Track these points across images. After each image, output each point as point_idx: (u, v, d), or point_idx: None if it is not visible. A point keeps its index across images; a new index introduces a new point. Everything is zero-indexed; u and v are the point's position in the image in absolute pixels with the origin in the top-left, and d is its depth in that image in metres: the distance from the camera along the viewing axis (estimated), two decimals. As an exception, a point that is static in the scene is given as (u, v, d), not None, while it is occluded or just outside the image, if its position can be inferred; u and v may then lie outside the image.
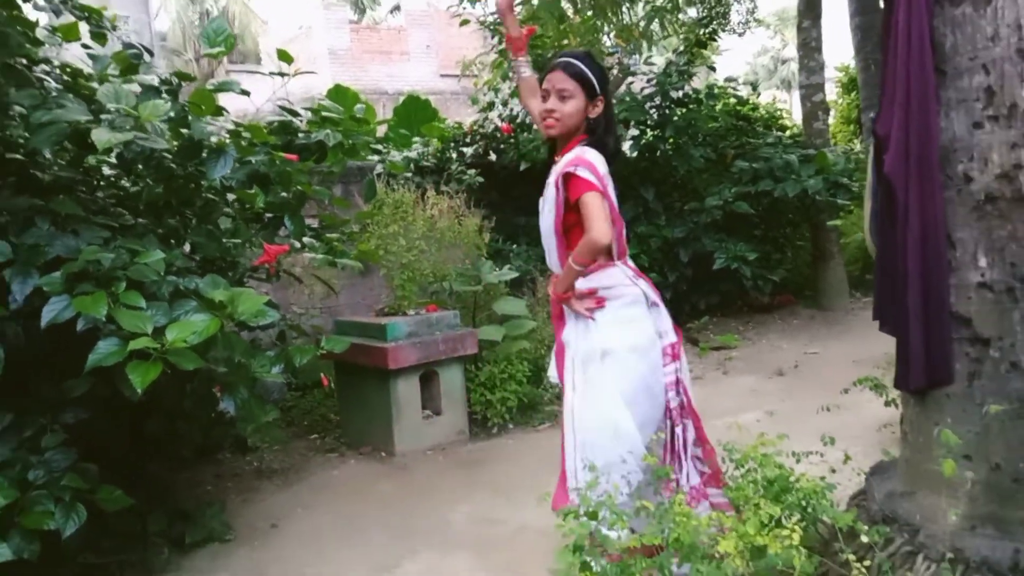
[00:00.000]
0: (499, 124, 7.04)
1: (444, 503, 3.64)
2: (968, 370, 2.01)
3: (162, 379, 2.17)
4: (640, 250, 6.42)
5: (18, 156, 2.38)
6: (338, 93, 3.20)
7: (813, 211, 6.82)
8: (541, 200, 2.53)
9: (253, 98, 2.91)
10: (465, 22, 7.02)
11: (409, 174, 5.82)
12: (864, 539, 1.97)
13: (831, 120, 9.81)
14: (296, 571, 3.08)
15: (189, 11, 26.72)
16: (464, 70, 8.00)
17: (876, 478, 2.34)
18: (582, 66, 2.39)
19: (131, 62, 2.38)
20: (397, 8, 30.32)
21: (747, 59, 43.86)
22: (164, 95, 2.35)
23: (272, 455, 4.53)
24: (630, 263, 2.57)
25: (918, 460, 2.16)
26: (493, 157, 6.96)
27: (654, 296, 2.53)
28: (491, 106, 7.05)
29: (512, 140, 6.89)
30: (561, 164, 2.39)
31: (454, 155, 6.57)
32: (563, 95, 2.38)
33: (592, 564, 1.94)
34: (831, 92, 12.06)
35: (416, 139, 5.82)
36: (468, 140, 6.84)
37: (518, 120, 7.13)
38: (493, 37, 7.02)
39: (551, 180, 2.44)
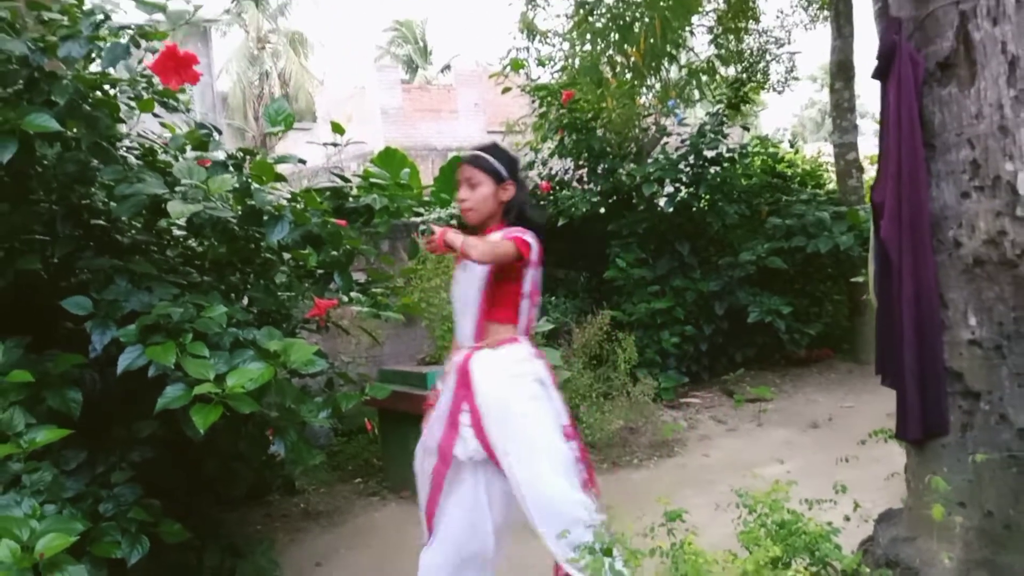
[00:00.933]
0: (539, 182, 7.33)
1: (479, 547, 3.81)
2: (961, 422, 2.15)
3: (220, 422, 2.41)
4: (676, 303, 6.57)
5: (101, 222, 2.69)
6: (387, 155, 3.46)
7: (847, 266, 6.91)
8: (459, 274, 2.63)
9: (309, 154, 3.22)
10: (507, 89, 7.37)
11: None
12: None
13: (868, 178, 9.89)
14: (338, 607, 3.28)
15: (249, 72, 28.01)
16: (508, 129, 8.33)
17: (883, 524, 2.46)
18: (487, 156, 2.58)
19: (202, 139, 2.69)
20: (447, 67, 31.35)
21: (795, 111, 44.01)
22: (230, 168, 2.65)
23: (318, 497, 4.75)
24: (529, 343, 2.66)
25: (918, 507, 2.28)
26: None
27: (548, 377, 2.62)
28: (531, 165, 7.35)
29: (551, 197, 7.16)
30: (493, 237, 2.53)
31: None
32: (471, 183, 2.55)
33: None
34: (872, 147, 12.13)
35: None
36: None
37: (556, 178, 7.41)
38: (534, 101, 7.34)
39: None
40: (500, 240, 2.47)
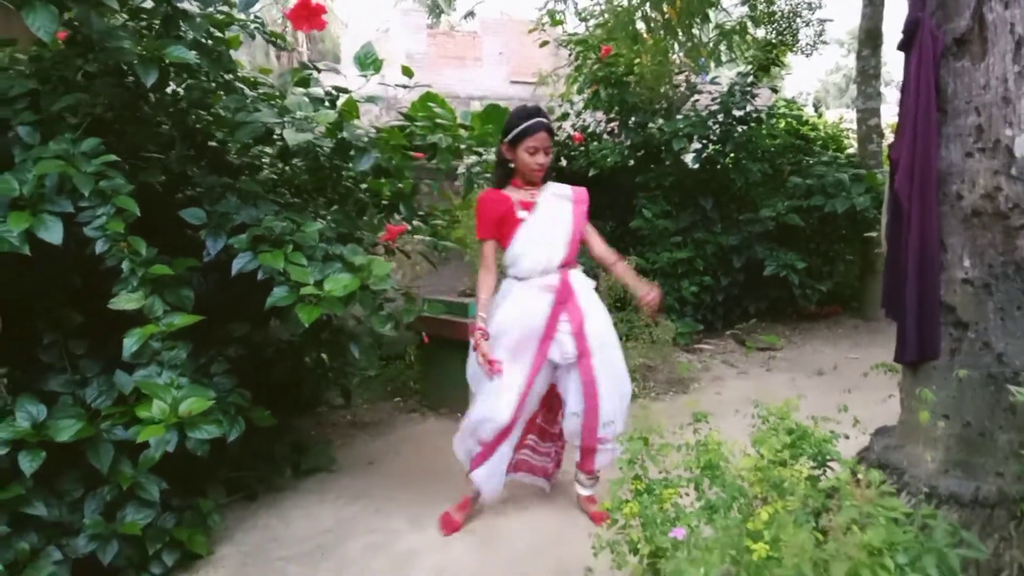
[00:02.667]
0: (572, 133, 7.65)
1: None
2: (950, 348, 2.54)
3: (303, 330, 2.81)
4: (696, 254, 6.94)
5: (213, 144, 3.08)
6: (429, 99, 3.74)
7: (862, 226, 7.25)
8: (538, 214, 3.21)
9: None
10: (545, 43, 7.64)
11: (489, 174, 6.44)
12: (859, 476, 2.51)
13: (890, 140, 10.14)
14: (391, 496, 3.73)
15: (272, 9, 28.01)
16: (541, 80, 8.61)
17: (878, 436, 2.87)
18: (551, 125, 3.20)
19: (305, 77, 3.06)
20: (471, 14, 31.24)
21: (820, 76, 43.64)
22: (326, 104, 3.02)
23: (363, 411, 5.21)
24: None
25: (909, 420, 2.69)
26: (564, 163, 7.56)
27: None
28: (565, 116, 7.66)
29: (583, 148, 7.50)
30: (560, 188, 3.32)
31: (530, 159, 7.21)
32: (547, 151, 3.18)
33: (641, 476, 2.52)
34: (894, 114, 12.33)
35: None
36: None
37: (589, 130, 7.73)
38: (570, 54, 7.61)
39: (551, 199, 3.26)
40: (604, 243, 3.41)
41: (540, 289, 3.14)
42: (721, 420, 2.86)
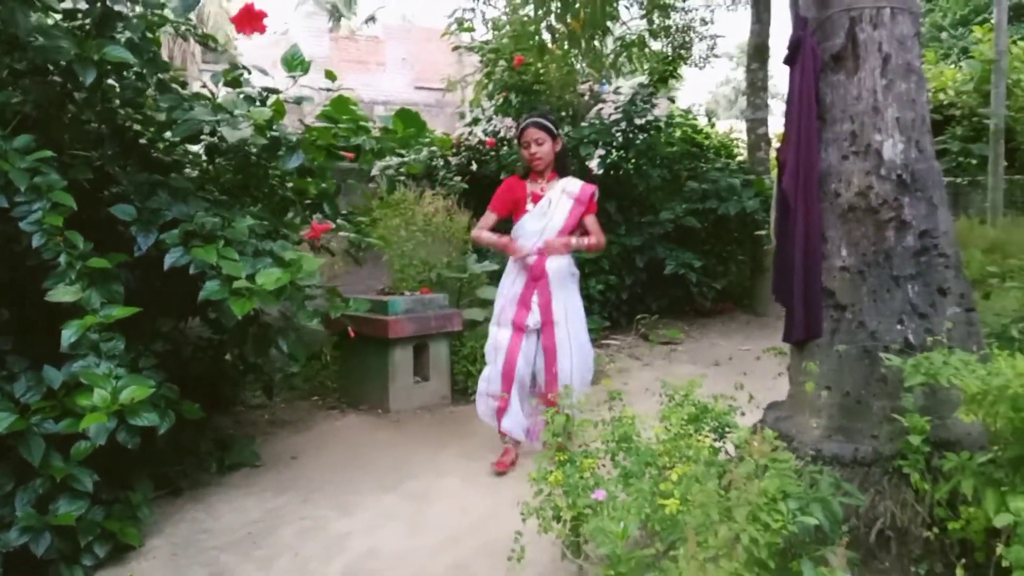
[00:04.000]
0: (483, 138, 7.88)
1: (433, 447, 4.42)
2: (831, 327, 2.87)
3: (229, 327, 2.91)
4: (602, 254, 7.28)
5: (143, 141, 3.13)
6: (340, 103, 3.83)
7: (752, 228, 7.77)
8: (542, 205, 3.84)
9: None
10: (457, 48, 7.85)
11: (402, 178, 6.59)
12: (754, 444, 2.81)
13: (774, 152, 10.82)
14: (317, 487, 3.83)
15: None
16: (449, 87, 8.81)
17: (769, 410, 3.19)
18: (544, 120, 3.84)
19: (236, 78, 3.15)
20: (372, 19, 31.14)
21: (710, 88, 45.42)
22: (257, 103, 3.12)
23: (281, 410, 5.26)
24: None
25: (797, 394, 3.02)
26: (475, 167, 7.78)
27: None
28: (476, 121, 7.88)
29: (494, 153, 7.74)
30: (571, 185, 3.89)
31: (441, 163, 7.39)
32: (539, 142, 3.79)
33: (564, 449, 2.75)
34: (780, 125, 13.13)
35: (422, 144, 6.62)
36: (455, 151, 7.66)
37: (500, 135, 7.97)
38: (481, 60, 7.84)
39: (558, 194, 3.86)
40: (598, 243, 3.97)
41: (522, 267, 3.85)
42: (632, 402, 3.11)
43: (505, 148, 7.67)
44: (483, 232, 3.97)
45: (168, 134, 2.89)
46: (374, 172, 6.29)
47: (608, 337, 7.32)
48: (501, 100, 7.49)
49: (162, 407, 3.14)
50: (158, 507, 3.58)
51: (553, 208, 3.81)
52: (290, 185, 3.66)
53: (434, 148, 6.36)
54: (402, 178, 4.31)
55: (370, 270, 6.33)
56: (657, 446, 2.76)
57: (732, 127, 11.62)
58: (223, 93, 3.02)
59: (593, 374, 4.07)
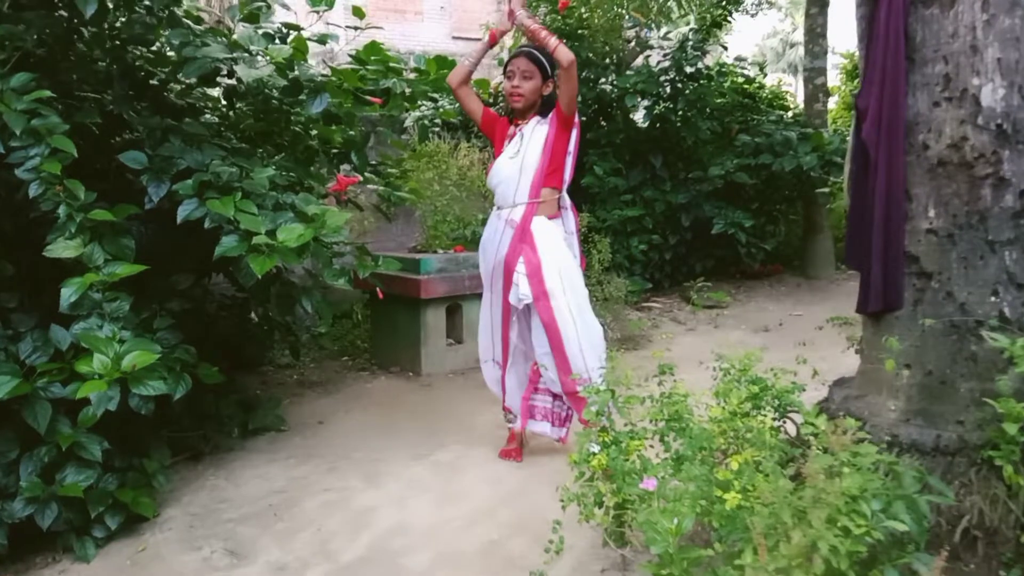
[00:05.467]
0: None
1: (466, 413, 4.20)
2: (914, 298, 2.55)
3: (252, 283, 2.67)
4: (645, 212, 6.94)
5: (154, 82, 2.88)
6: (373, 49, 3.54)
7: (807, 186, 7.34)
8: (515, 143, 3.23)
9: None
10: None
11: (437, 128, 6.29)
12: (822, 426, 2.52)
13: (833, 104, 10.29)
14: (345, 455, 3.64)
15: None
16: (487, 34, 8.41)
17: (837, 388, 2.89)
18: (539, 54, 3.17)
19: (254, 12, 2.87)
20: (411, -33, 30.45)
21: (757, 40, 44.06)
22: (276, 40, 2.84)
23: (310, 370, 5.08)
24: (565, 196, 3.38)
25: (870, 371, 2.71)
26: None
27: (575, 227, 3.43)
28: (515, 70, 7.50)
29: (533, 103, 7.37)
30: (547, 117, 3.20)
31: (478, 113, 7.06)
32: (525, 75, 3.18)
33: (608, 428, 2.48)
34: (835, 78, 12.53)
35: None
36: (492, 101, 7.31)
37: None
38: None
39: (531, 128, 3.22)
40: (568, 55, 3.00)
41: (505, 222, 3.26)
42: (678, 372, 2.84)
43: (546, 98, 7.31)
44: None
45: (182, 75, 2.63)
46: (407, 122, 6.01)
47: (650, 300, 7.01)
48: (542, 47, 7.08)
49: (177, 370, 2.96)
50: (177, 473, 3.42)
51: (526, 143, 3.18)
52: (314, 133, 3.39)
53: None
54: (436, 128, 4.01)
55: (402, 226, 6.09)
56: (712, 426, 2.48)
57: (780, 79, 11.07)
58: (240, 29, 2.75)
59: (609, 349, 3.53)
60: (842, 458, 1.87)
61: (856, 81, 12.14)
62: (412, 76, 3.80)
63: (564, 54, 2.98)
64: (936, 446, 2.41)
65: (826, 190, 6.54)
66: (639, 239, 6.88)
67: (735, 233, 6.84)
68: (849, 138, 2.87)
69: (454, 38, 20.94)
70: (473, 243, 5.50)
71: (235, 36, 2.68)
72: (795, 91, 10.89)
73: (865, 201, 2.66)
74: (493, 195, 3.40)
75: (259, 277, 2.54)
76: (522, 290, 3.18)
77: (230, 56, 2.58)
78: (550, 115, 3.19)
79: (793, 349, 4.79)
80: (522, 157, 3.18)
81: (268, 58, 2.57)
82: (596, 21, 6.97)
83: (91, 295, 2.44)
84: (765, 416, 2.53)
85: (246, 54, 2.61)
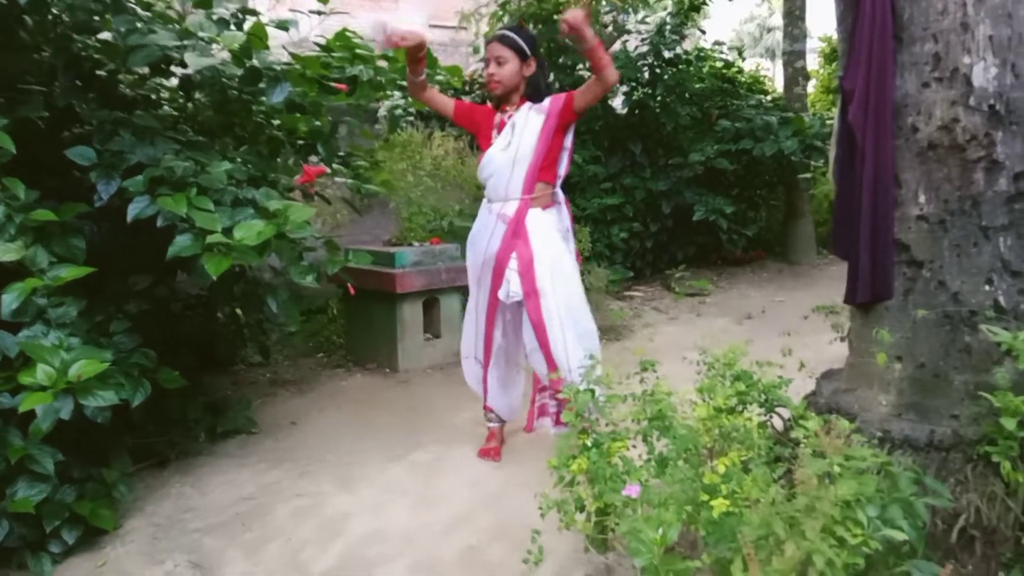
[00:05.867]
0: (498, 74, 7.34)
1: (445, 410, 4.08)
2: (904, 287, 2.44)
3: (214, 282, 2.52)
4: (625, 200, 6.82)
5: (102, 73, 2.71)
6: (343, 37, 3.41)
7: (788, 171, 7.26)
8: (506, 134, 3.06)
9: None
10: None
11: (412, 117, 6.13)
12: (809, 424, 2.42)
13: (811, 88, 10.21)
14: (318, 458, 3.50)
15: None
16: (462, 21, 8.24)
17: (825, 380, 2.79)
18: (513, 35, 3.02)
19: (206, -5, 2.71)
20: (386, -47, 30.05)
21: (734, 25, 44.06)
22: (231, 27, 2.68)
23: (283, 368, 4.93)
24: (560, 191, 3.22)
25: (860, 363, 2.61)
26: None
27: (570, 222, 3.26)
28: (489, 57, 7.34)
29: (509, 90, 7.21)
30: (545, 102, 3.02)
31: (453, 101, 6.91)
32: (499, 61, 3.01)
33: (589, 430, 2.37)
34: (813, 62, 12.45)
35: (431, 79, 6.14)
36: (467, 89, 7.15)
37: (515, 71, 7.44)
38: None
39: (523, 116, 3.03)
40: (605, 75, 2.87)
41: (497, 216, 3.12)
42: (660, 362, 2.72)
43: (522, 85, 7.15)
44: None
45: (128, 64, 2.46)
46: (381, 112, 5.85)
47: (631, 288, 6.91)
48: (518, 32, 6.93)
49: (135, 376, 2.81)
50: (142, 481, 3.28)
51: (519, 134, 3.01)
52: (277, 123, 3.23)
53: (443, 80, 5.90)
54: (410, 117, 3.87)
55: (376, 219, 5.94)
56: (697, 424, 2.37)
57: (759, 64, 10.99)
58: (192, 15, 2.59)
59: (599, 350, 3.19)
60: (835, 461, 1.76)
61: (834, 64, 12.13)
62: (384, 62, 3.65)
63: (612, 75, 2.89)
64: (930, 442, 2.31)
65: (808, 175, 6.44)
66: (619, 227, 6.77)
67: (716, 220, 6.75)
68: (834, 121, 2.76)
69: (432, 26, 20.67)
70: (450, 234, 5.37)
71: (186, 22, 2.52)
72: (773, 76, 10.79)
73: (852, 187, 2.55)
74: (474, 187, 3.26)
75: (214, 279, 2.39)
76: (512, 287, 3.06)
77: (180, 44, 2.42)
78: (547, 104, 3.01)
79: (777, 338, 4.70)
80: (515, 149, 3.01)
81: (220, 45, 2.41)
82: (573, 4, 6.81)
83: (35, 300, 2.28)
84: (751, 414, 2.43)
85: (200, 41, 2.44)
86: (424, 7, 20.98)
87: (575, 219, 6.17)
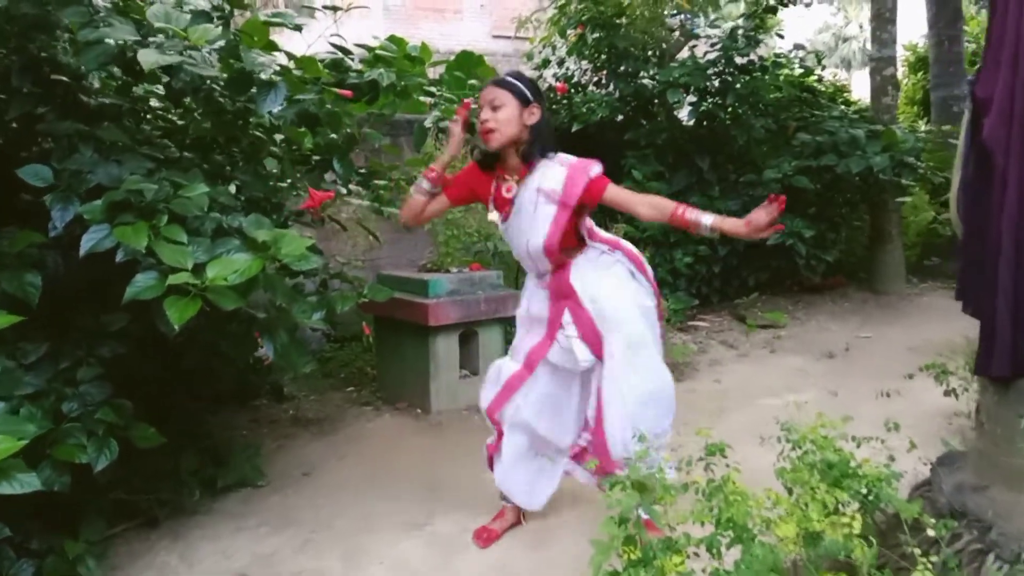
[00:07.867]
0: (554, 83, 6.86)
1: (478, 463, 3.53)
2: (1062, 359, 1.85)
3: (200, 319, 2.10)
4: (691, 221, 6.22)
5: (64, 79, 2.31)
6: (392, 42, 3.07)
7: (875, 190, 6.55)
8: (512, 217, 2.59)
9: (305, 41, 2.85)
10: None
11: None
12: (930, 532, 1.84)
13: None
14: (326, 523, 3.04)
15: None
16: (519, 27, 7.77)
17: (943, 469, 2.19)
18: (510, 78, 2.52)
19: (175, -18, 2.29)
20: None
21: (808, 35, 42.68)
22: (215, 21, 2.25)
23: (308, 404, 4.51)
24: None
25: (994, 453, 2.01)
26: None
27: (634, 264, 2.73)
28: (546, 63, 6.86)
29: (566, 100, 6.70)
30: (548, 179, 2.50)
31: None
32: (494, 105, 2.47)
33: (636, 538, 1.83)
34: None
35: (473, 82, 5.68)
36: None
37: (573, 80, 6.93)
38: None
39: (531, 198, 2.53)
40: (643, 199, 2.56)
41: (536, 283, 2.73)
42: (722, 420, 2.19)
43: (579, 95, 6.63)
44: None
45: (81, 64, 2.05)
46: (427, 123, 5.39)
47: (696, 318, 6.30)
48: (575, 38, 6.42)
49: (100, 435, 2.39)
50: (126, 544, 2.88)
51: (526, 221, 2.54)
52: (281, 138, 2.79)
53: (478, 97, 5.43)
54: (440, 133, 3.42)
55: (415, 240, 5.50)
56: (778, 524, 1.81)
57: (836, 74, 10.24)
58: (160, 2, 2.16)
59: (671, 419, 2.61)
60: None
61: (920, 74, 11.26)
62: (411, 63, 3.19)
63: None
64: (1100, 572, 1.70)
65: (908, 199, 5.74)
66: (684, 251, 6.18)
67: (793, 244, 6.09)
68: (960, 139, 2.17)
69: (494, 37, 20.34)
70: (495, 258, 4.88)
71: (148, 11, 2.09)
72: (850, 87, 10.03)
73: (986, 223, 1.96)
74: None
75: (176, 329, 1.94)
76: (581, 355, 2.54)
77: (139, 40, 2.00)
78: (560, 187, 2.47)
79: (866, 383, 4.06)
80: (526, 238, 2.55)
81: (185, 41, 1.97)
82: (635, 8, 6.28)
83: (-49, 356, 1.87)
84: (852, 515, 1.85)
85: (170, 38, 2.02)
86: (487, 17, 20.71)
87: (634, 241, 5.64)
